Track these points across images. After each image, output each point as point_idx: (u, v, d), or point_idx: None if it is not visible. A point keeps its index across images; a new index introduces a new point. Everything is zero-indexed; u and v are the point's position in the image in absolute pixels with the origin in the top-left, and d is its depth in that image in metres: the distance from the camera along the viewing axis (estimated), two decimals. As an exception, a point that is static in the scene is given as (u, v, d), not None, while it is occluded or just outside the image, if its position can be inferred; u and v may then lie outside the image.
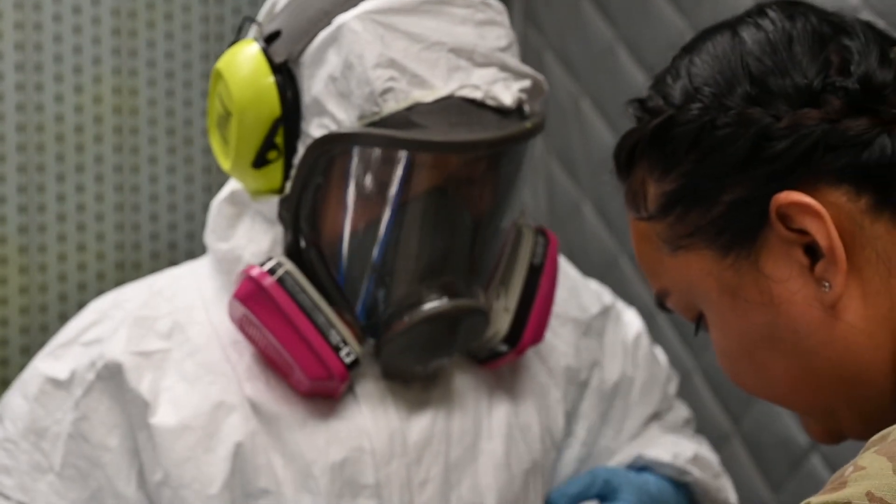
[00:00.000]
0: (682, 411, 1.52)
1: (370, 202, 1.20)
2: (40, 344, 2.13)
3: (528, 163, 1.26)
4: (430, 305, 1.20)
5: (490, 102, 1.19)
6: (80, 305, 2.13)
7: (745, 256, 0.87)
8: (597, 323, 1.45)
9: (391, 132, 1.15)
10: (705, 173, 0.87)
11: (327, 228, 1.22)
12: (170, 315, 1.29)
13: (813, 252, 0.85)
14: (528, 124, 1.20)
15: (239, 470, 1.22)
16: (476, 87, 1.18)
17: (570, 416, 1.42)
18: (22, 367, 2.11)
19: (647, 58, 2.12)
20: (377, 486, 1.23)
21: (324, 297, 1.22)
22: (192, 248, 2.21)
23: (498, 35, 1.23)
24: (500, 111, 1.19)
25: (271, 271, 1.20)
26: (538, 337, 1.30)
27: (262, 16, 1.27)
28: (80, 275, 2.14)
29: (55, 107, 2.11)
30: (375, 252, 1.21)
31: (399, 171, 1.19)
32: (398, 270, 1.21)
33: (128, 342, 1.26)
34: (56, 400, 1.26)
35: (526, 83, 1.23)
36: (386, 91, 1.15)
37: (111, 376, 1.25)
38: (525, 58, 2.37)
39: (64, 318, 2.12)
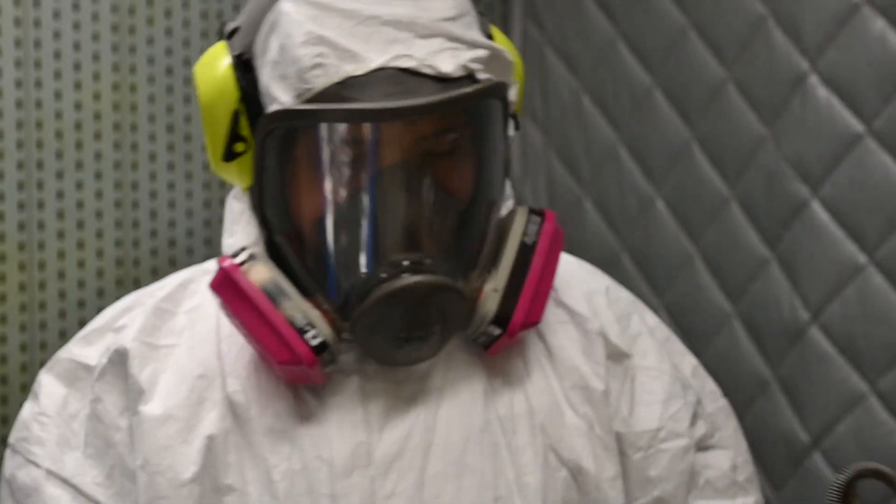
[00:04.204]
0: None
1: (319, 182, 1.21)
2: (39, 341, 2.13)
3: (498, 136, 1.24)
4: (393, 282, 1.18)
5: (427, 71, 1.17)
6: (79, 303, 2.13)
7: None
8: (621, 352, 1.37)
9: (311, 105, 1.17)
10: None
11: (288, 214, 1.23)
12: (187, 313, 1.32)
13: None
14: (469, 89, 1.18)
15: (210, 464, 1.24)
16: (410, 56, 1.17)
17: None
18: (21, 364, 2.10)
19: (648, 54, 2.12)
20: (333, 497, 1.23)
21: (296, 284, 1.23)
22: (191, 245, 2.20)
23: (444, 7, 1.20)
24: (444, 80, 1.17)
25: (242, 261, 1.22)
26: (532, 317, 1.25)
27: None
28: (79, 272, 2.14)
29: (54, 103, 2.11)
30: (335, 233, 1.22)
31: (338, 146, 1.19)
32: (360, 251, 1.21)
33: (140, 331, 1.29)
34: (86, 384, 1.30)
35: (479, 53, 1.20)
36: (314, 66, 1.17)
37: (121, 361, 1.28)
38: (526, 54, 2.37)
39: (63, 316, 2.11)
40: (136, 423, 1.25)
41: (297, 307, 1.21)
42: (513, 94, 1.26)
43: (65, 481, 1.28)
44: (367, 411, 1.25)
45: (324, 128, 1.19)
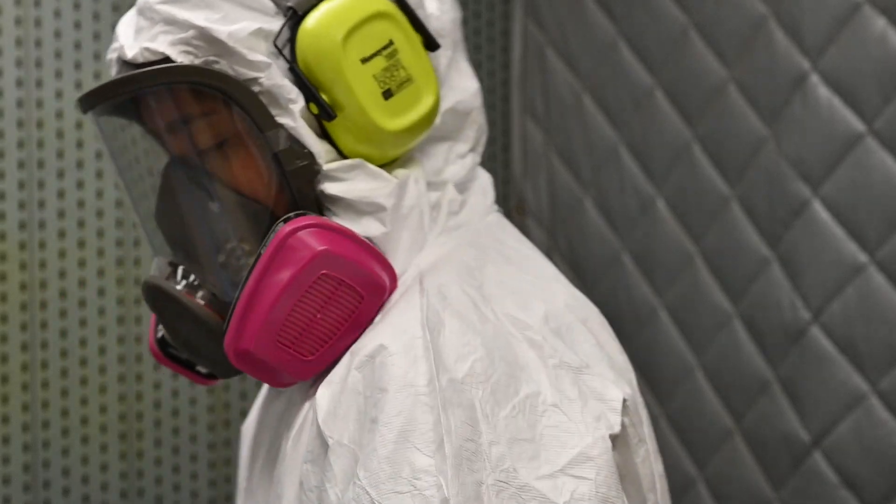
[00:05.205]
0: None
1: (130, 178, 1.24)
2: (40, 340, 2.12)
3: (221, 128, 1.12)
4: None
5: (126, 58, 1.14)
6: (80, 302, 2.13)
7: None
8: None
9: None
10: None
11: None
12: None
13: None
14: (126, 73, 1.12)
15: None
16: (118, 46, 1.16)
17: None
18: (22, 363, 2.10)
19: (649, 53, 2.12)
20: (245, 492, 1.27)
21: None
22: (193, 244, 2.20)
23: None
24: (134, 66, 1.13)
25: None
26: (242, 343, 1.07)
27: None
28: (79, 271, 2.13)
29: (55, 103, 2.11)
30: (146, 233, 1.24)
31: (125, 145, 1.21)
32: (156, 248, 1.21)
33: None
34: None
35: (187, 34, 1.11)
36: (110, 63, 1.18)
37: None
38: (527, 53, 2.37)
39: (64, 315, 2.11)
40: None
41: None
42: (255, 73, 1.10)
43: None
44: (261, 414, 1.27)
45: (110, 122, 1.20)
